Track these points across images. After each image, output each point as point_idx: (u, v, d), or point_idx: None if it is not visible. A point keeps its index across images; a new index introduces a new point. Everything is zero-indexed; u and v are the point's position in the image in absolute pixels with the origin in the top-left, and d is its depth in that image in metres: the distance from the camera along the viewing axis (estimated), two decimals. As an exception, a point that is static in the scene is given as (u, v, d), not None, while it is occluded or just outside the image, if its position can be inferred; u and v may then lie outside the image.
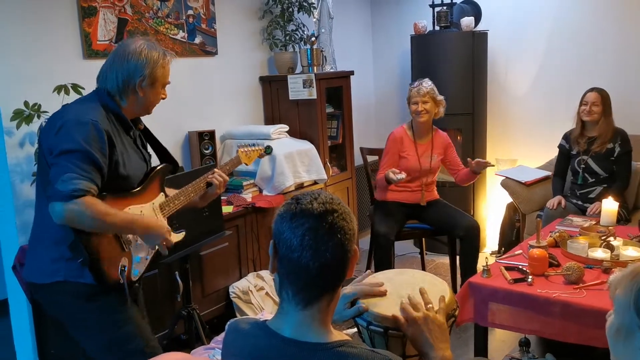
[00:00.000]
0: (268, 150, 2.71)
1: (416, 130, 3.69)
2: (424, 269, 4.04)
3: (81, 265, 1.82)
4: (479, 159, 3.47)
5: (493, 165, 3.56)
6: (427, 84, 3.62)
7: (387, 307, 1.54)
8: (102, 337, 1.93)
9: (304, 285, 1.22)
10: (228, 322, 1.81)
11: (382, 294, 1.60)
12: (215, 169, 2.35)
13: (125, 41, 2.03)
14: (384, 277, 1.67)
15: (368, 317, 1.54)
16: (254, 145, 2.67)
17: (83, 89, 2.87)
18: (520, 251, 2.84)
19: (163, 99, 2.08)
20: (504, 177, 4.16)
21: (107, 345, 1.94)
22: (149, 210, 2.07)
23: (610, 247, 2.70)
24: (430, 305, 1.50)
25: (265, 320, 1.32)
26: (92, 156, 1.79)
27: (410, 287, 1.56)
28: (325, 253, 1.20)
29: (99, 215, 1.77)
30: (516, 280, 2.47)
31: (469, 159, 3.53)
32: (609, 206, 2.91)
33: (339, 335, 1.26)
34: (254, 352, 1.26)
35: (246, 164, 2.61)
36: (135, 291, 2.12)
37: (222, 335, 1.78)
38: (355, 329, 1.62)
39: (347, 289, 1.59)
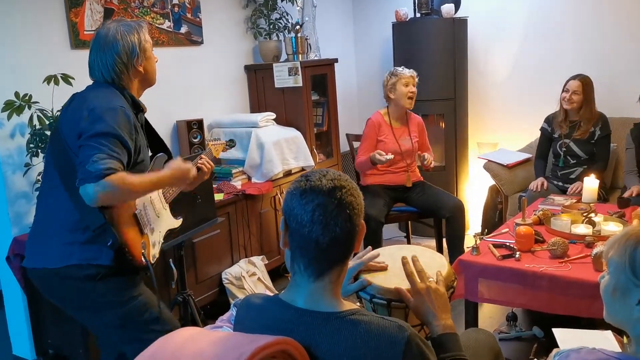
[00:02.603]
0: (231, 144, 2.85)
1: (393, 115, 3.81)
2: (410, 251, 4.12)
3: (109, 248, 1.86)
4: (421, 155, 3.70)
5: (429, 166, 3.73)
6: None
7: (390, 280, 1.62)
8: (113, 314, 1.96)
9: (314, 258, 1.28)
10: (234, 302, 1.87)
11: (383, 269, 1.67)
12: (202, 155, 2.42)
13: (101, 32, 2.03)
14: (384, 252, 1.75)
15: (371, 290, 1.61)
16: (218, 139, 2.97)
17: (73, 78, 2.88)
18: (506, 229, 2.94)
19: (156, 61, 2.14)
20: (486, 160, 4.26)
21: (120, 320, 1.97)
22: (155, 196, 2.15)
23: (592, 223, 2.82)
24: (432, 278, 1.57)
25: (277, 294, 1.39)
26: (122, 139, 1.83)
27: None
28: (335, 227, 1.26)
29: (130, 187, 1.81)
30: (504, 257, 2.56)
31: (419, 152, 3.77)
32: (590, 184, 3.03)
33: (349, 304, 1.33)
34: (269, 324, 1.32)
35: (215, 157, 2.74)
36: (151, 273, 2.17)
37: (228, 314, 1.83)
38: (358, 303, 1.70)
39: (349, 265, 1.65)
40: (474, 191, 4.89)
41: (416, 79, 3.73)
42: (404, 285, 1.55)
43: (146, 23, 2.13)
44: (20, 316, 3.06)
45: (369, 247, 1.73)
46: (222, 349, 1.23)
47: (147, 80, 2.11)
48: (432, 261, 1.70)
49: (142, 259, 1.97)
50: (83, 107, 1.89)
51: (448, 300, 1.57)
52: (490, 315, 3.31)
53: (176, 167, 2.06)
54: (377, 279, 1.63)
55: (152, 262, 2.06)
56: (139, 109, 2.07)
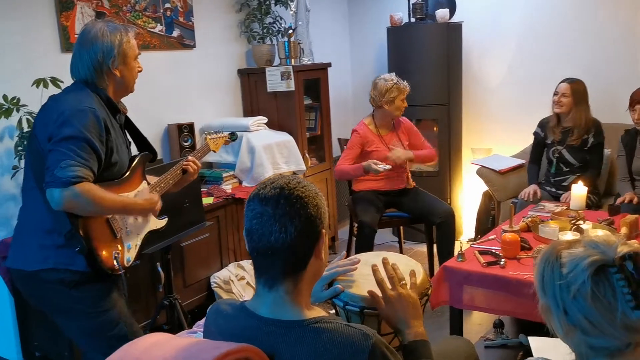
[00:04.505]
0: (233, 137, 2.80)
1: (379, 122, 3.77)
2: (402, 256, 4.11)
3: (78, 253, 1.85)
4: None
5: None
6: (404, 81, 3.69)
7: (363, 287, 1.60)
8: (85, 323, 1.96)
9: (263, 268, 1.29)
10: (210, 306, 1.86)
11: (354, 270, 1.66)
12: (189, 156, 2.42)
13: (85, 29, 2.03)
14: (360, 258, 1.73)
15: (344, 297, 1.60)
16: (219, 132, 2.75)
17: (62, 82, 2.87)
18: (494, 236, 2.93)
19: (139, 71, 2.11)
20: (480, 166, 4.25)
21: (90, 331, 1.97)
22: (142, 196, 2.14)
23: (580, 231, 2.79)
24: (404, 282, 1.56)
25: (244, 301, 1.38)
26: (91, 143, 1.82)
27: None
28: (269, 237, 1.23)
29: (97, 200, 1.80)
30: (489, 264, 2.55)
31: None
32: (578, 191, 3.01)
33: (315, 312, 1.32)
34: (234, 331, 1.32)
35: (214, 151, 2.70)
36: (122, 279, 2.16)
37: (204, 320, 1.82)
38: (333, 310, 1.69)
39: (324, 272, 1.64)
40: (467, 197, 4.87)
41: None
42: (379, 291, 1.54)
43: (135, 29, 2.10)
44: (7, 318, 3.05)
45: (344, 252, 1.72)
46: (184, 356, 1.22)
47: (123, 87, 2.07)
48: (407, 267, 1.68)
49: (115, 263, 1.96)
50: (54, 109, 1.88)
51: (420, 306, 1.55)
52: (479, 322, 3.30)
53: (148, 197, 2.07)
54: (351, 286, 1.62)
55: (127, 265, 2.05)
56: (116, 110, 2.05)
